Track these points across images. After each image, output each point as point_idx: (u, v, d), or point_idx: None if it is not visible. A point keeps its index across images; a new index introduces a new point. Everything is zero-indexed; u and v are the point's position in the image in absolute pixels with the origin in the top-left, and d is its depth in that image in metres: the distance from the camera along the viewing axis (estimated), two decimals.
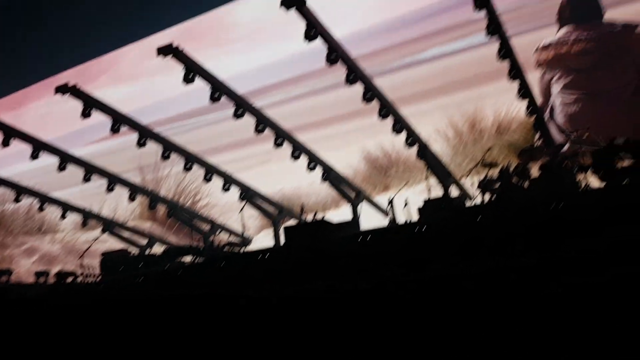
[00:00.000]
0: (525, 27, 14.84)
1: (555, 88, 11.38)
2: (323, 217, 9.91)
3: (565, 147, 10.34)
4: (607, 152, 7.59)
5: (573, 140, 10.45)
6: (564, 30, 11.15)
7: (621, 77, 10.74)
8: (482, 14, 8.24)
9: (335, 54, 8.70)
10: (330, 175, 11.01)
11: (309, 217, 11.04)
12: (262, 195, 12.35)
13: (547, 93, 11.55)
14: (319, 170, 11.02)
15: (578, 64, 11.00)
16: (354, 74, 8.99)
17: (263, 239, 14.62)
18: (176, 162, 12.18)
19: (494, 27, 8.34)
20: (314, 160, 10.88)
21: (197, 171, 11.86)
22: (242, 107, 9.88)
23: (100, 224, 13.63)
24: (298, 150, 10.67)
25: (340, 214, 12.97)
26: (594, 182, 8.04)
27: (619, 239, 5.69)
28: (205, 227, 13.17)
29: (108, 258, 11.63)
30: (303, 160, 10.85)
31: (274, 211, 12.53)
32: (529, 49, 11.47)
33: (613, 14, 11.00)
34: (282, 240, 10.04)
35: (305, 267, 7.98)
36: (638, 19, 10.68)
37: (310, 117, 18.21)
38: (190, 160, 11.40)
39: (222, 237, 13.41)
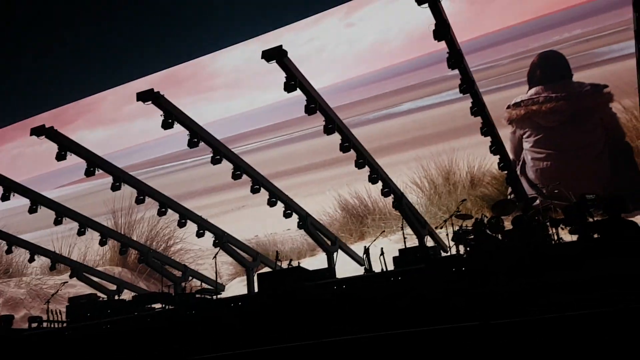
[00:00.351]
0: (497, 85, 15.47)
1: (526, 144, 11.75)
2: (298, 265, 9.82)
3: (537, 202, 10.60)
4: (578, 207, 7.78)
5: (544, 195, 10.75)
6: (534, 89, 11.64)
7: (589, 135, 11.17)
8: (456, 71, 8.55)
9: (314, 104, 8.87)
10: (306, 223, 10.99)
11: (284, 265, 10.93)
12: (237, 242, 12.21)
13: (518, 149, 11.91)
14: (295, 217, 11.01)
15: (548, 122, 11.43)
16: (332, 124, 9.15)
17: (236, 286, 14.40)
18: (150, 206, 12.03)
19: (467, 86, 8.63)
20: (290, 207, 10.88)
21: (172, 216, 11.71)
22: (219, 152, 9.92)
23: (68, 268, 13.22)
24: (275, 196, 10.68)
25: (315, 261, 12.89)
26: (565, 236, 8.21)
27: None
28: (177, 273, 12.89)
29: (75, 303, 11.22)
30: (279, 206, 10.84)
31: (248, 258, 12.37)
32: (502, 105, 11.91)
33: (580, 76, 11.56)
34: (256, 287, 9.87)
35: (279, 315, 7.82)
36: (604, 80, 11.23)
37: (287, 164, 18.35)
38: (165, 204, 11.27)
39: (195, 284, 13.12)
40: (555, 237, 7.98)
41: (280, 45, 8.54)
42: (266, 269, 11.98)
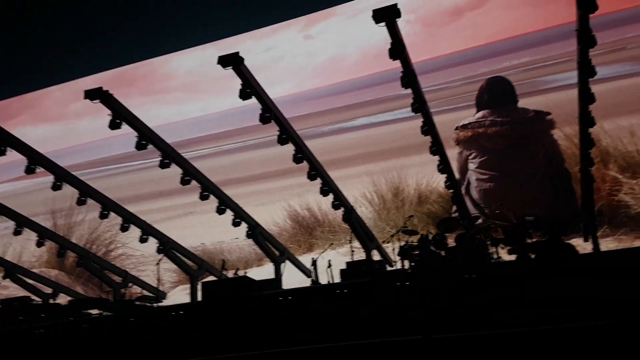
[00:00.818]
0: (447, 107, 15.98)
1: (472, 165, 12.13)
2: (245, 274, 9.72)
3: (479, 221, 10.94)
4: (517, 228, 8.09)
5: (487, 214, 11.13)
6: (481, 112, 12.04)
7: (532, 159, 11.65)
8: (409, 90, 8.76)
9: (269, 113, 8.85)
10: (255, 232, 10.90)
11: (230, 274, 10.79)
12: (182, 249, 11.96)
13: (464, 169, 12.28)
14: (244, 226, 10.89)
15: (493, 144, 11.85)
16: (286, 134, 9.16)
17: (179, 295, 14.03)
18: (92, 209, 11.62)
19: (419, 105, 8.86)
20: (239, 216, 10.77)
21: (114, 219, 11.34)
22: (169, 156, 9.71)
23: (2, 269, 12.55)
24: (224, 204, 10.54)
25: (262, 271, 12.77)
26: (504, 255, 8.51)
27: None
28: (117, 279, 12.48)
29: (7, 306, 10.66)
30: (228, 215, 10.70)
31: (193, 266, 12.13)
32: (450, 126, 12.28)
33: (525, 102, 12.08)
34: (200, 296, 9.68)
35: (223, 325, 7.70)
36: (547, 108, 11.77)
37: (239, 172, 18.21)
38: (107, 207, 10.90)
39: (135, 291, 12.74)
40: (495, 256, 8.27)
41: (237, 52, 8.49)
42: (211, 278, 11.78)
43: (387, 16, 7.87)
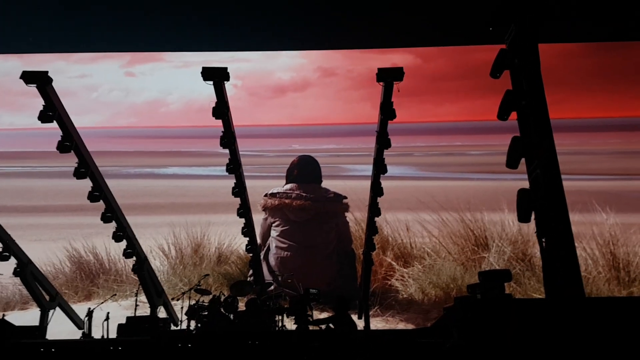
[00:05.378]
0: (259, 173, 16.63)
1: (274, 232, 12.67)
2: (2, 317, 8.45)
3: (272, 287, 11.30)
4: (301, 299, 8.54)
5: (279, 282, 11.57)
6: (289, 185, 12.82)
7: (325, 236, 12.60)
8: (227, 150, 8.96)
9: (70, 142, 8.21)
10: (24, 270, 9.61)
11: None
12: None
13: (266, 235, 12.73)
14: (12, 262, 9.54)
15: (295, 216, 12.59)
16: (86, 169, 8.53)
17: None
18: None
19: (234, 167, 9.10)
20: (9, 249, 9.44)
21: None
22: None
23: None
24: None
25: (26, 316, 11.31)
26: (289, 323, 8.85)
27: None
28: None
29: None
30: None
31: None
32: (260, 192, 12.76)
33: (328, 184, 13.20)
34: None
35: None
36: (344, 192, 13.01)
37: (20, 200, 16.17)
38: None
39: None
40: (280, 324, 8.56)
41: (47, 72, 7.86)
42: None
43: (215, 76, 8.12)
